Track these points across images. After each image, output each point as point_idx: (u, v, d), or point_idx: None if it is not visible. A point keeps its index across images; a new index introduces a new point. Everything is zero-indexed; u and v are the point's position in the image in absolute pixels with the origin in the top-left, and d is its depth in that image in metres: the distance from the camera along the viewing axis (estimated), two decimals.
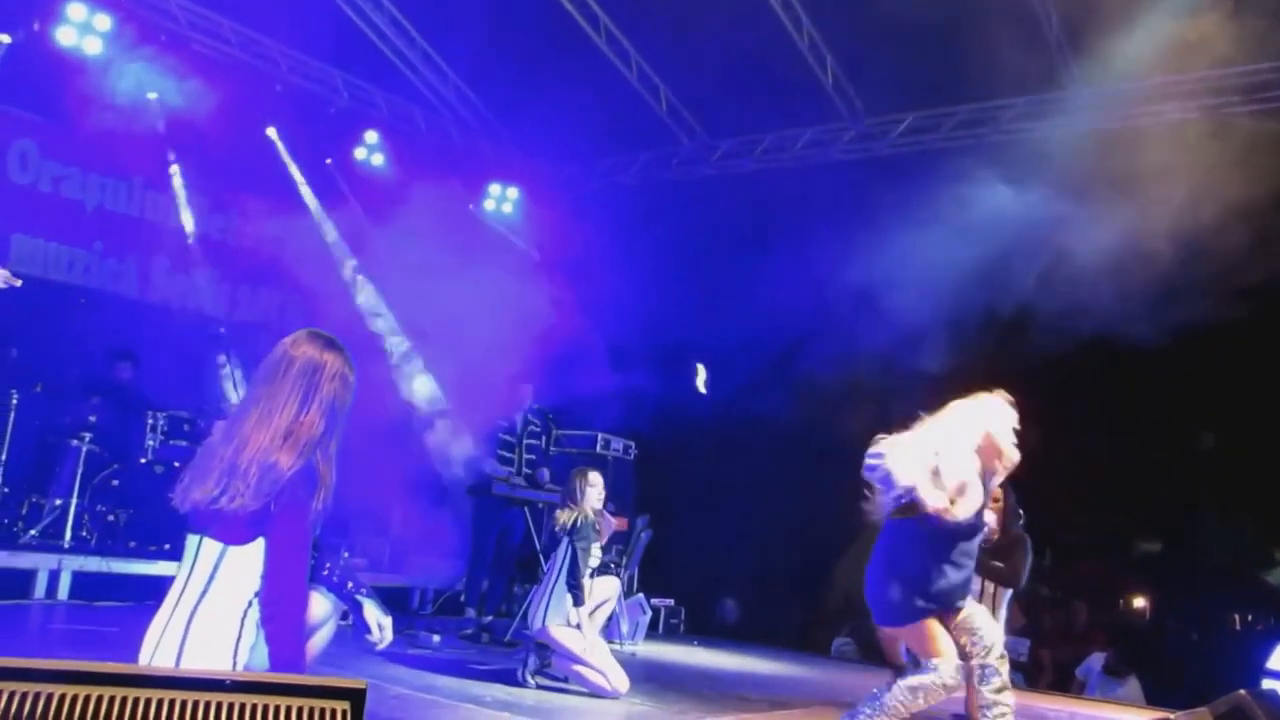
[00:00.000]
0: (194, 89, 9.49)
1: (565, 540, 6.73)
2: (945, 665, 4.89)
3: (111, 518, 8.77)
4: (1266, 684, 7.46)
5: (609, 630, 9.00)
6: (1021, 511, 7.31)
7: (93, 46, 9.10)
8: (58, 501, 8.59)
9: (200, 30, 9.90)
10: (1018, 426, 5.13)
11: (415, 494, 11.01)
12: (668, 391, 10.96)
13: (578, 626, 6.59)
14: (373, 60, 10.77)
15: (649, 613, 9.98)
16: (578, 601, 6.63)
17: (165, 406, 8.76)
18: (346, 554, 10.04)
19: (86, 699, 1.35)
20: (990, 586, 7.21)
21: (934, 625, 4.97)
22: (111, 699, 1.39)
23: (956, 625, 5.05)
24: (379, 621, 3.67)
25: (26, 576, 7.84)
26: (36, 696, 1.32)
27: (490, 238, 12.03)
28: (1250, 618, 11.53)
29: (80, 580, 8.02)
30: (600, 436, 10.24)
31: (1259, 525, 11.58)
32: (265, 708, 1.43)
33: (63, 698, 1.33)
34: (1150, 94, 9.23)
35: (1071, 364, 10.05)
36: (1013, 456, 5.08)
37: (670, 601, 10.96)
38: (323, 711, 1.45)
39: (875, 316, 8.70)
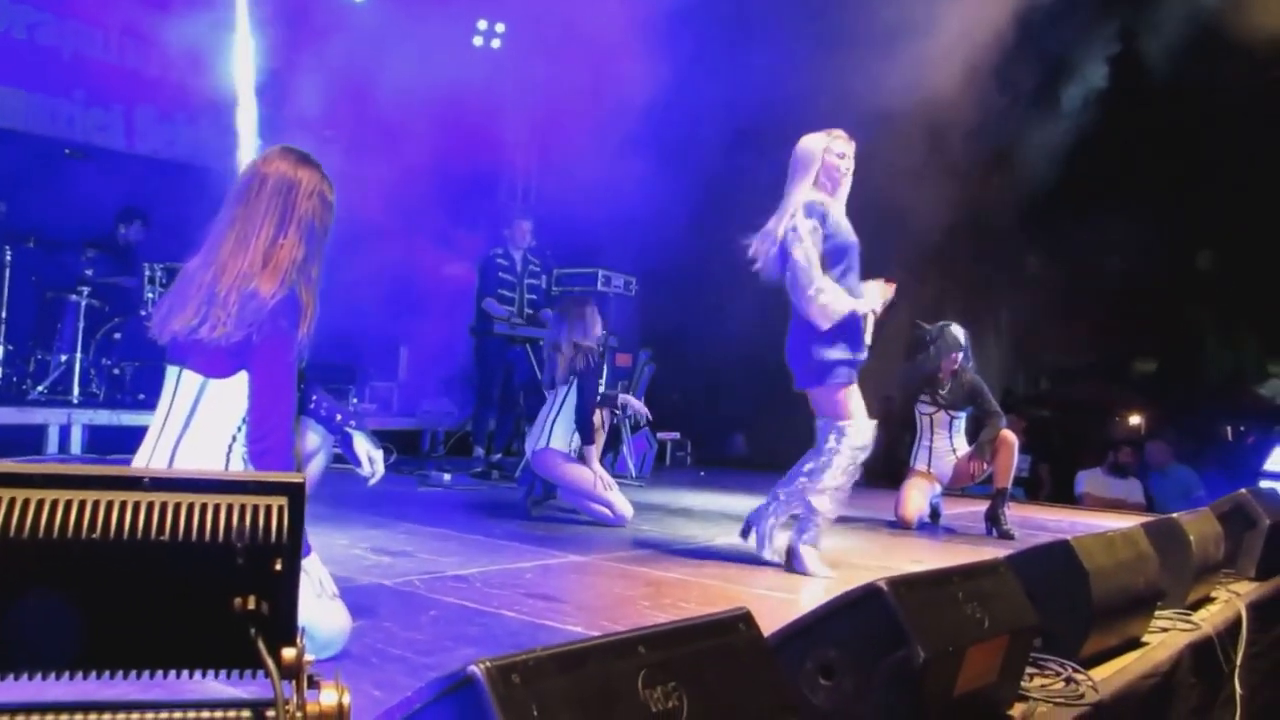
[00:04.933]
0: None
1: (571, 378, 6.57)
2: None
3: (117, 371, 8.64)
4: (1265, 484, 7.40)
5: (617, 464, 8.97)
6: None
7: None
8: (63, 358, 8.47)
9: None
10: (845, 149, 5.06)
11: (423, 336, 10.88)
12: (668, 223, 10.72)
13: (580, 460, 6.50)
14: None
15: (655, 446, 9.94)
16: (588, 439, 6.52)
17: (162, 258, 8.55)
18: (355, 399, 9.96)
19: None
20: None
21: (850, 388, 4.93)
22: (13, 501, 1.22)
23: None
24: (369, 454, 3.48)
25: (38, 432, 7.73)
26: None
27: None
28: (1243, 428, 11.54)
29: (92, 434, 7.95)
30: (601, 273, 10.01)
31: (1254, 340, 11.51)
32: (191, 506, 1.26)
33: None
34: None
35: (1064, 192, 9.85)
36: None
37: (676, 435, 10.90)
38: (255, 508, 1.28)
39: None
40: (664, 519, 6.89)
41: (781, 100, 9.12)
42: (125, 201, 9.34)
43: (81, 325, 8.43)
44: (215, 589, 1.27)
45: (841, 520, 7.24)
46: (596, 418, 6.58)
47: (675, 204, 11.00)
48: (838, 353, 4.90)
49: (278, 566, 1.29)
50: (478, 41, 11.97)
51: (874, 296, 4.99)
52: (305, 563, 2.97)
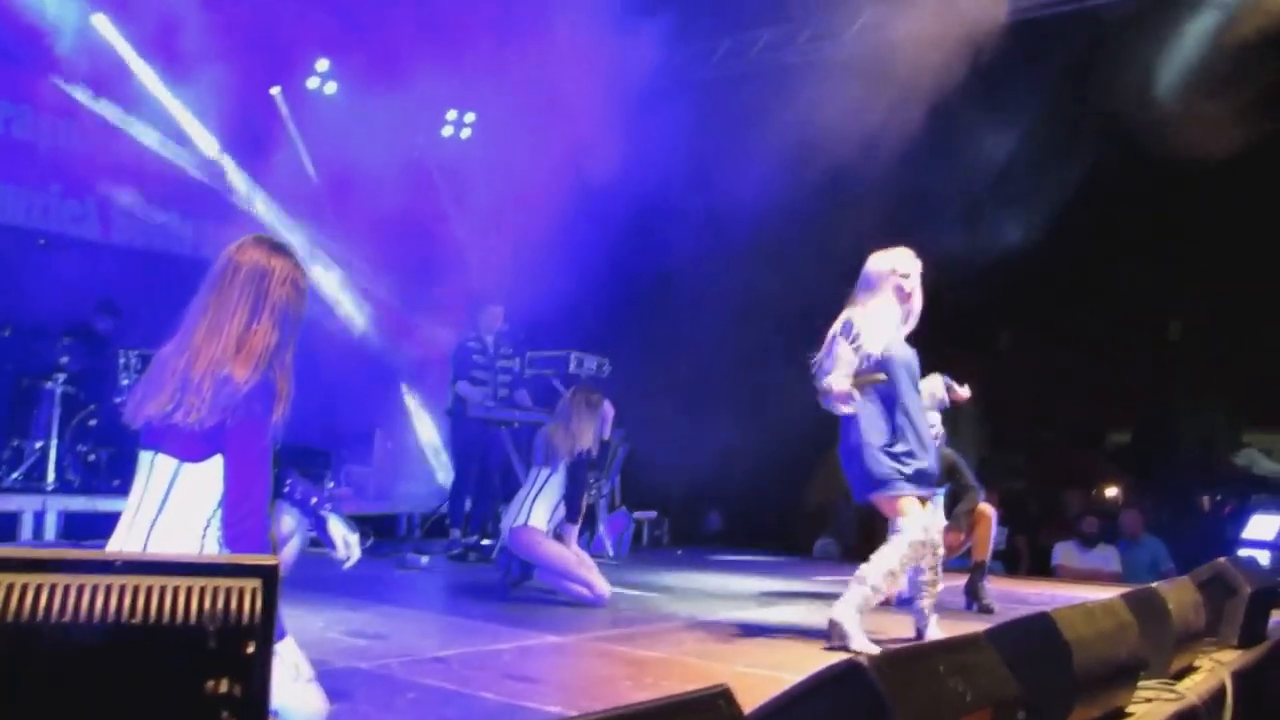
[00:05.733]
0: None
1: (559, 461, 6.57)
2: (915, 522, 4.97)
3: (93, 458, 8.61)
4: (1244, 553, 7.41)
5: (594, 544, 8.91)
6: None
7: None
8: (38, 444, 8.42)
9: None
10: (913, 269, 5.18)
11: (397, 420, 10.85)
12: (640, 303, 10.80)
13: (559, 537, 6.47)
14: None
15: (632, 525, 9.89)
16: (572, 518, 6.50)
17: (137, 345, 8.55)
18: (331, 483, 9.89)
19: None
20: None
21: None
22: None
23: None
24: (344, 537, 3.47)
25: (12, 519, 7.67)
26: None
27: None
28: (1219, 498, 11.56)
29: (68, 520, 7.88)
30: (573, 355, 10.01)
31: (1225, 410, 11.58)
32: (163, 589, 1.25)
33: None
34: None
35: (1039, 258, 9.94)
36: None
37: (653, 514, 10.85)
38: (228, 591, 1.27)
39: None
40: (643, 598, 6.83)
41: (751, 180, 9.27)
42: (101, 290, 9.34)
43: (57, 412, 8.40)
44: (187, 671, 1.25)
45: (815, 596, 7.23)
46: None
47: (646, 284, 11.09)
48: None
49: (250, 649, 1.27)
50: (447, 131, 12.12)
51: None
52: (279, 646, 2.93)
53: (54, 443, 8.35)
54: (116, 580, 1.26)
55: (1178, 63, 9.11)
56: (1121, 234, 10.17)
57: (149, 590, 1.26)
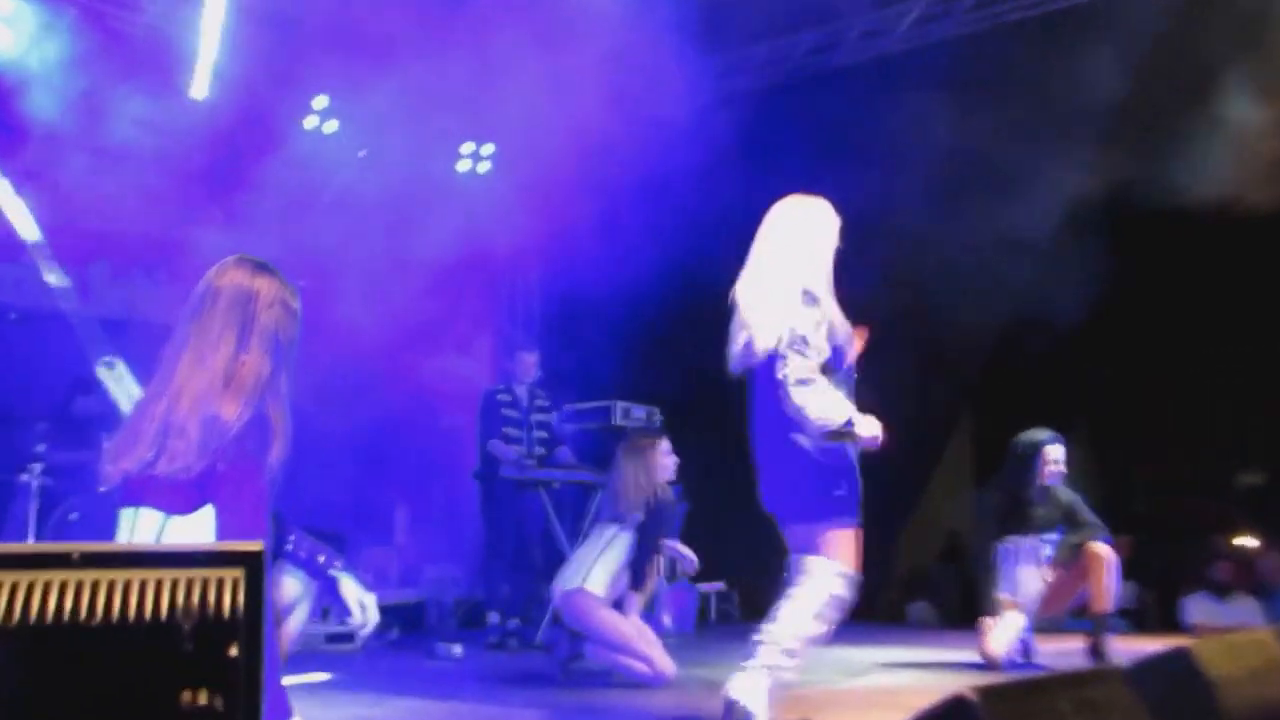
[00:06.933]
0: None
1: (630, 517, 6.52)
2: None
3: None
4: None
5: (651, 621, 8.79)
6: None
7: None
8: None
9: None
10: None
11: (421, 493, 10.82)
12: (691, 346, 10.70)
13: (618, 606, 6.40)
14: None
15: (697, 598, 9.77)
16: (637, 584, 6.44)
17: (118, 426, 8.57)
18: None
19: None
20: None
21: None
22: None
23: None
24: (360, 600, 3.43)
25: None
26: None
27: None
28: None
29: None
30: (618, 405, 9.96)
31: None
32: (128, 584, 1.19)
33: None
34: None
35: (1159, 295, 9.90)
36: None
37: (720, 585, 10.72)
38: (205, 583, 1.21)
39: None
40: (713, 678, 6.70)
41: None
42: (79, 369, 9.38)
43: (34, 507, 8.39)
44: (159, 681, 1.19)
45: (917, 666, 7.08)
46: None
47: (696, 325, 11.02)
48: None
49: (233, 651, 1.21)
50: (463, 166, 12.13)
51: None
52: None
53: (30, 543, 8.35)
54: (73, 576, 1.21)
55: None
56: (1248, 258, 10.05)
57: (110, 586, 1.21)
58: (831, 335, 4.59)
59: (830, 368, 4.56)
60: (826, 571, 4.45)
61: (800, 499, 4.58)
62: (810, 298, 4.56)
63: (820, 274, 4.71)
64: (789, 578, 4.63)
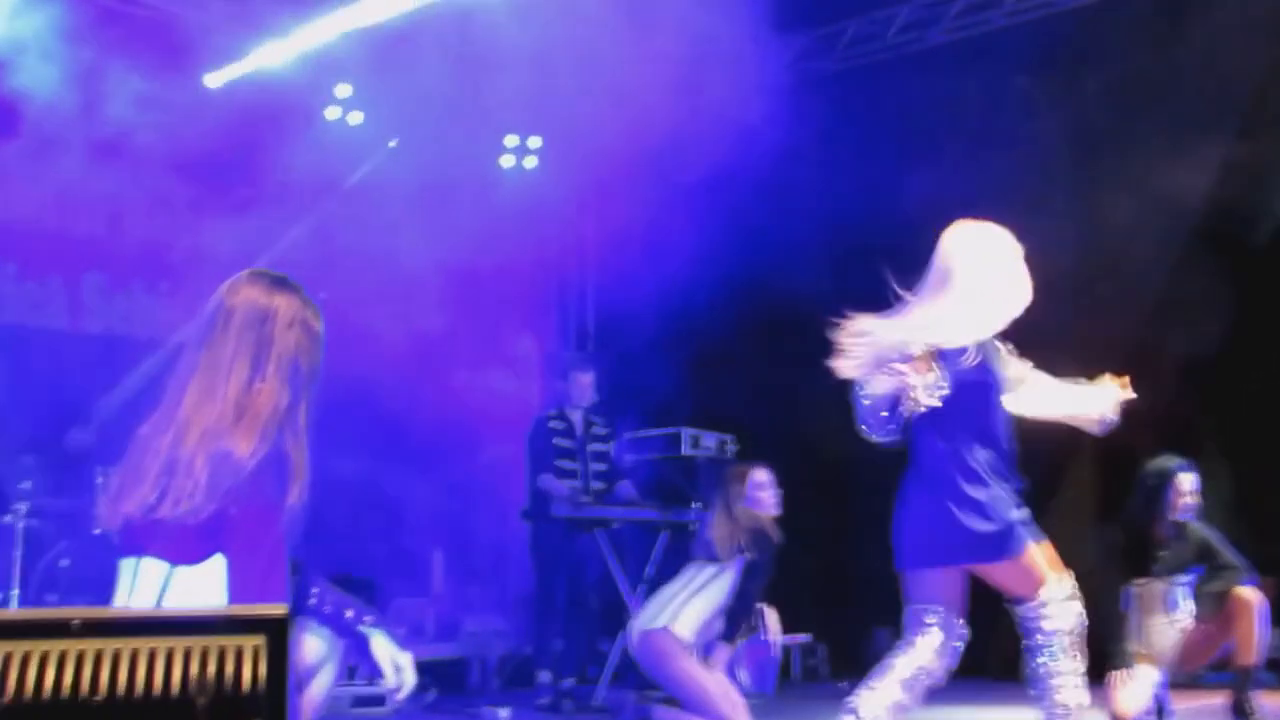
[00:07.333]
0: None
1: (736, 555, 6.54)
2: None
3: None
4: None
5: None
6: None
7: None
8: None
9: None
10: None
11: (461, 536, 10.86)
12: (767, 365, 10.71)
13: (704, 658, 6.40)
14: None
15: (779, 654, 9.72)
16: (730, 635, 6.44)
17: (116, 460, 8.64)
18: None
19: None
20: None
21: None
22: None
23: None
24: (394, 659, 3.44)
25: None
26: None
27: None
28: None
29: None
30: (687, 433, 9.96)
31: None
32: (135, 654, 1.20)
33: None
34: None
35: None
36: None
37: (806, 637, 10.67)
38: (223, 652, 1.22)
39: None
40: None
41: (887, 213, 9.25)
42: (70, 394, 9.49)
43: (19, 553, 8.47)
44: None
45: None
46: None
47: (770, 340, 11.01)
48: None
49: None
50: (507, 162, 12.18)
51: None
52: None
53: (15, 593, 8.43)
54: (73, 645, 1.22)
55: None
56: None
57: (116, 656, 1.22)
58: None
59: None
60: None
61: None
62: None
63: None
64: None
